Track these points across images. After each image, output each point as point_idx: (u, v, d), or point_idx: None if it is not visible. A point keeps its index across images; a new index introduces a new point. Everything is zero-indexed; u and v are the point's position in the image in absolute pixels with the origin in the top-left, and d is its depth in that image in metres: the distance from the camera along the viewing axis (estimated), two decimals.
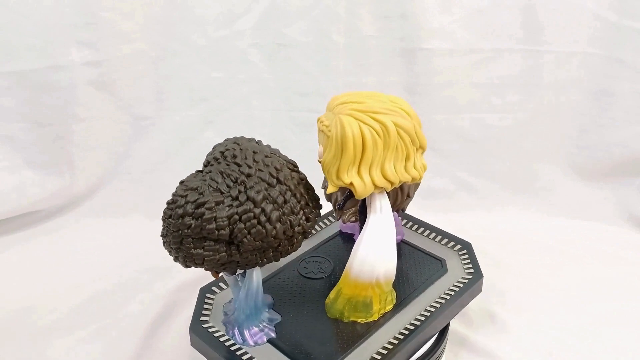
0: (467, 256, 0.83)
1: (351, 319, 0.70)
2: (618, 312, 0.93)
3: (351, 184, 0.63)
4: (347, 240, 0.87)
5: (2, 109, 1.12)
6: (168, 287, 0.98)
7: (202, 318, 0.72)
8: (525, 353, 0.84)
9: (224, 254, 0.57)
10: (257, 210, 0.56)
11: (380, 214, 0.66)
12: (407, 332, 0.68)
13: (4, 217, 1.15)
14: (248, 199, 0.56)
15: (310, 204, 0.64)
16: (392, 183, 0.64)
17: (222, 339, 0.68)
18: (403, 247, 0.86)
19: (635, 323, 0.91)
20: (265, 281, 0.77)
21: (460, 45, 1.15)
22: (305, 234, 0.63)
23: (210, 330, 0.70)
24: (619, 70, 1.15)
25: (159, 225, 1.25)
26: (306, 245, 0.84)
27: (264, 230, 0.56)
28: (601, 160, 1.22)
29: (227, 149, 0.61)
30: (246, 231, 0.56)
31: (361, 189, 0.63)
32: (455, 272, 0.80)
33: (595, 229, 1.17)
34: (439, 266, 0.81)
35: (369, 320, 0.70)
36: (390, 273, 0.69)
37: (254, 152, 0.60)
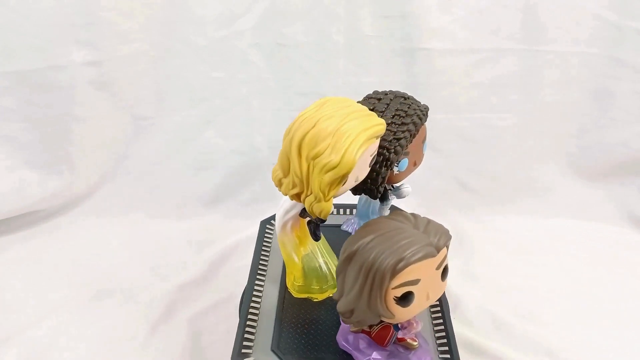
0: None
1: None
2: (618, 312, 0.93)
3: None
4: None
5: (2, 109, 1.12)
6: (168, 287, 0.98)
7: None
8: (527, 353, 0.84)
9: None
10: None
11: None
12: None
13: (4, 217, 1.15)
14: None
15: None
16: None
17: None
18: None
19: (635, 323, 0.91)
20: None
21: (460, 45, 1.15)
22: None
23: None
24: (619, 70, 1.15)
25: (159, 225, 1.25)
26: None
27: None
28: (601, 160, 1.22)
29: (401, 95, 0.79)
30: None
31: None
32: None
33: (595, 229, 1.17)
34: None
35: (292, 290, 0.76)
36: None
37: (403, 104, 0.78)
